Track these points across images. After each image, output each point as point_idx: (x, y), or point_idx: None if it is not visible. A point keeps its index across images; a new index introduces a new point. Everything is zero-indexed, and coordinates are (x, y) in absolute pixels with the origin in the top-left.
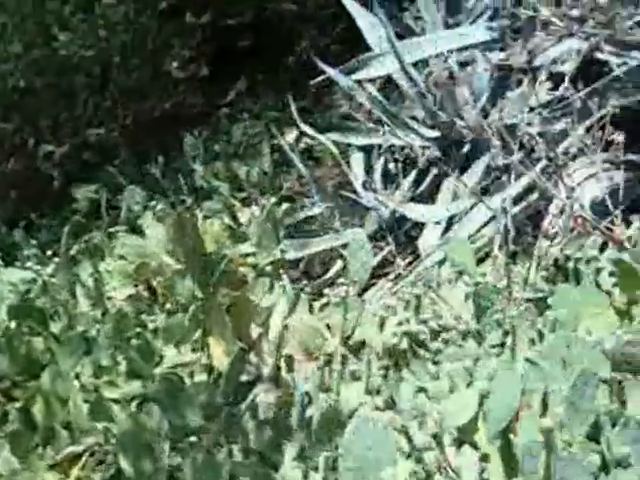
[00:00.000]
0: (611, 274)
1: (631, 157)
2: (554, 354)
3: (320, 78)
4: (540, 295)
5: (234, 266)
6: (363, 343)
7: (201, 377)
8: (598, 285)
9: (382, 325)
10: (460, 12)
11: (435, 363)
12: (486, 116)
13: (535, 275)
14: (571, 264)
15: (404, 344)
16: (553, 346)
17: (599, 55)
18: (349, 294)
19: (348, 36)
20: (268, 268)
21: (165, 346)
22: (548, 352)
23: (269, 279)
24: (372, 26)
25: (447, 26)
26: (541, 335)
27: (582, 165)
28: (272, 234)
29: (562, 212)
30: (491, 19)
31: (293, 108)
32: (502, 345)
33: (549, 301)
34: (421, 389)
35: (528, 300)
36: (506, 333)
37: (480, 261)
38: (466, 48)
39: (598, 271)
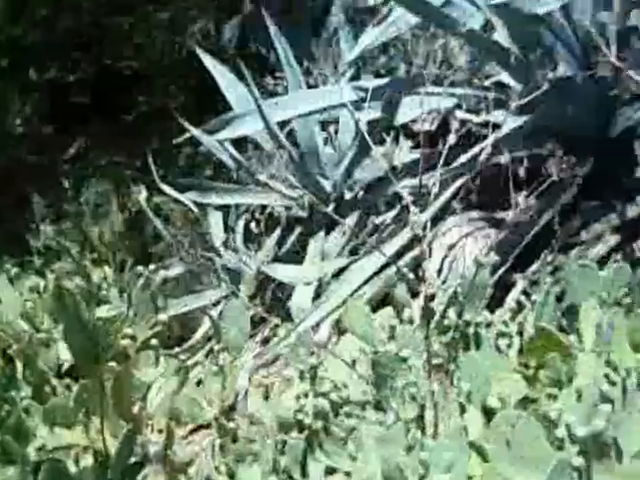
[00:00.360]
0: (502, 335)
1: (502, 215)
2: (498, 436)
3: (182, 138)
4: (440, 362)
5: (115, 339)
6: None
7: (86, 461)
8: (499, 349)
9: (267, 396)
10: (323, 71)
11: (346, 442)
12: (350, 175)
13: (432, 340)
14: (471, 329)
15: (307, 419)
16: (497, 426)
17: (459, 114)
18: (225, 360)
19: (201, 93)
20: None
21: (40, 426)
22: (491, 433)
23: (153, 352)
24: (232, 84)
25: (309, 86)
26: (462, 408)
27: (455, 223)
28: (150, 303)
29: (440, 271)
30: (355, 78)
31: (152, 167)
32: (420, 418)
33: (453, 368)
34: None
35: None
36: (422, 406)
37: None
38: (331, 107)
39: (498, 335)
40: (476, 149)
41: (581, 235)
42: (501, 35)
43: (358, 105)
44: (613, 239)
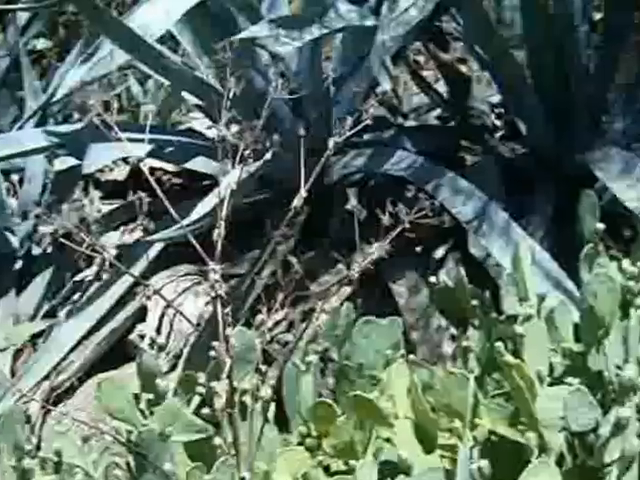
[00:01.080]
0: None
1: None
2: None
3: None
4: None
5: None
6: None
7: None
8: (266, 419)
9: None
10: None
11: None
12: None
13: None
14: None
15: None
16: None
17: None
18: None
19: None
20: None
21: None
22: None
23: None
24: None
25: None
26: None
27: (168, 279)
28: None
29: (159, 330)
30: (41, 123)
31: None
32: None
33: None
34: None
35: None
36: None
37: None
38: (20, 154)
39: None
40: (212, 202)
41: (310, 288)
42: (205, 73)
43: (48, 153)
44: (345, 291)
